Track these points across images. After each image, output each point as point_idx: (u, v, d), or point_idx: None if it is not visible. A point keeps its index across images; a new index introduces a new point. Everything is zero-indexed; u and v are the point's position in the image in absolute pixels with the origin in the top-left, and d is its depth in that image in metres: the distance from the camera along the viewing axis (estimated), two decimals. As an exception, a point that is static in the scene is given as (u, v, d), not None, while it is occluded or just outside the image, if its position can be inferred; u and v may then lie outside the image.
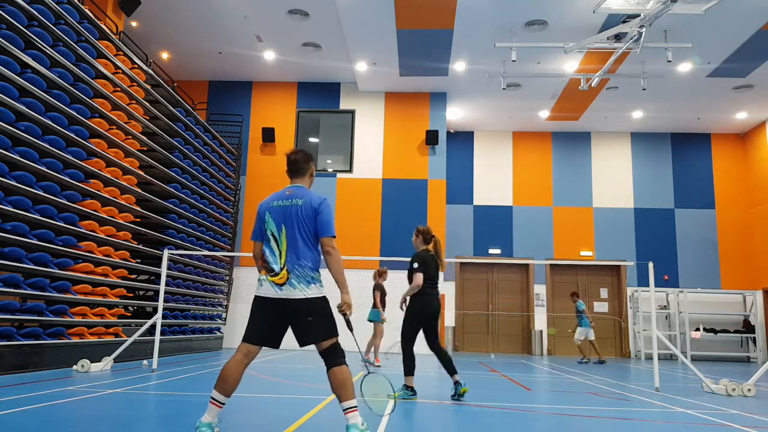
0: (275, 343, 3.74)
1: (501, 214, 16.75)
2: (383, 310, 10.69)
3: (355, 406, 3.51)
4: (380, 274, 10.90)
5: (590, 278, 16.53)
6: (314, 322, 3.58)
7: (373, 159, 15.21)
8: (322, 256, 3.72)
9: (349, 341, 5.45)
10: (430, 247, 6.48)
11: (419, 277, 6.12)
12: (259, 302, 3.68)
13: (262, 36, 13.05)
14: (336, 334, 3.61)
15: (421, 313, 6.21)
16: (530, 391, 6.88)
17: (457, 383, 5.93)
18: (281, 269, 3.61)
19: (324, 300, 3.63)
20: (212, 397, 3.50)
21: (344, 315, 3.65)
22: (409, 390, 5.90)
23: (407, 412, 5.01)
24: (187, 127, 11.79)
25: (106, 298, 8.69)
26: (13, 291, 6.81)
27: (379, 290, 10.74)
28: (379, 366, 10.28)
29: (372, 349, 10.65)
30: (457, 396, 5.90)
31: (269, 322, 3.67)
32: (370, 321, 10.72)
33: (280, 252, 3.66)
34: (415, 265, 6.15)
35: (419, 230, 6.48)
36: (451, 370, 6.00)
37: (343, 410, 3.50)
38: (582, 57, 12.65)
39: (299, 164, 3.88)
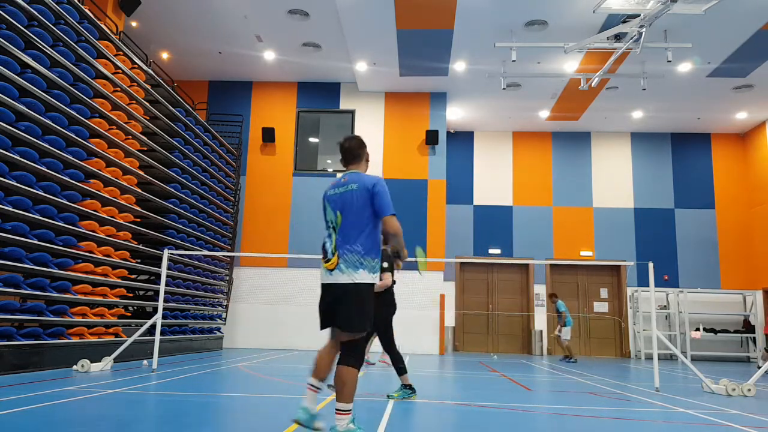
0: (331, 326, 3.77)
1: (501, 214, 16.75)
2: None
3: (348, 410, 3.51)
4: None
5: (590, 278, 16.53)
6: (351, 307, 3.58)
7: (373, 159, 15.19)
8: (380, 237, 3.81)
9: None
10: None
11: (388, 277, 6.03)
12: (322, 288, 3.77)
13: (262, 36, 13.05)
14: (362, 331, 3.61)
15: (394, 312, 6.20)
16: (530, 391, 6.88)
17: (408, 386, 5.87)
18: (333, 255, 3.66)
19: (369, 287, 3.64)
20: (309, 383, 3.65)
21: (397, 260, 3.99)
22: (408, 389, 5.88)
23: (407, 411, 5.01)
24: (187, 127, 11.79)
25: (106, 298, 8.69)
26: (13, 291, 6.81)
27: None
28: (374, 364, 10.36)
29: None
30: (394, 396, 5.79)
31: (323, 305, 3.72)
32: None
33: (334, 238, 3.71)
34: (385, 264, 6.01)
35: None
36: (401, 370, 5.92)
37: (335, 410, 3.54)
38: (582, 57, 12.65)
39: (354, 151, 3.93)
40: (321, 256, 3.78)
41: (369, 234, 3.69)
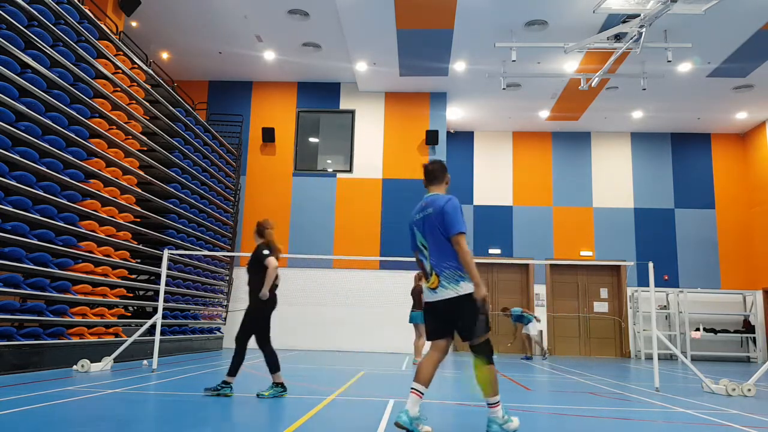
0: (452, 336, 4.07)
1: (501, 214, 16.75)
2: None
3: (498, 402, 3.85)
4: (420, 278, 10.88)
5: (590, 278, 16.53)
6: (466, 317, 3.89)
7: (373, 159, 15.21)
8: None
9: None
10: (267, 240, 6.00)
11: (273, 261, 5.76)
12: (426, 307, 4.11)
13: (262, 36, 13.05)
14: (477, 336, 3.89)
15: (274, 308, 5.93)
16: (530, 391, 6.88)
17: (279, 384, 5.72)
18: (431, 274, 4.02)
19: (473, 296, 3.91)
20: (413, 388, 3.86)
21: (481, 306, 3.92)
22: (279, 386, 5.70)
23: (407, 412, 5.00)
24: (187, 127, 11.79)
25: (106, 298, 8.69)
26: (13, 291, 6.82)
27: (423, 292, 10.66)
28: None
29: (420, 350, 10.72)
30: (265, 395, 5.62)
31: (437, 321, 4.04)
32: (416, 323, 10.75)
33: (427, 259, 4.06)
34: (266, 252, 5.79)
35: (257, 224, 6.09)
36: (274, 369, 5.77)
37: (488, 404, 3.88)
38: (582, 57, 12.65)
39: (437, 173, 4.26)
40: (423, 277, 4.14)
41: (450, 251, 3.98)
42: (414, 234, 4.18)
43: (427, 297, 4.04)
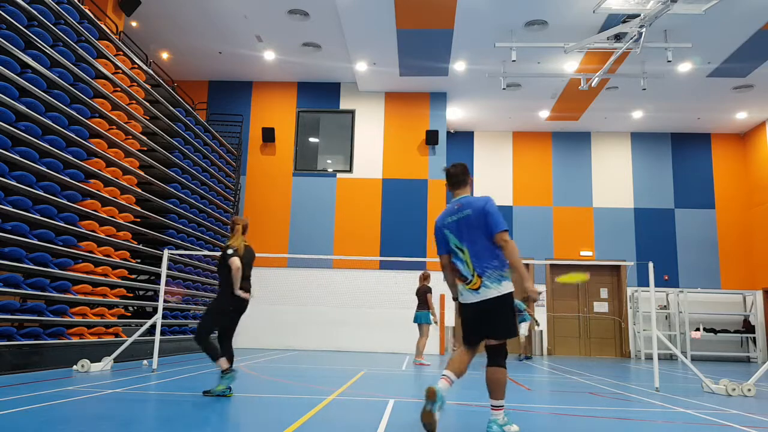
0: (479, 341, 4.12)
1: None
2: (434, 312, 10.86)
3: (502, 406, 3.90)
4: (425, 278, 11.03)
5: (590, 278, 16.51)
6: (503, 318, 3.96)
7: (373, 159, 15.21)
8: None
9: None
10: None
11: (235, 262, 5.65)
12: (463, 308, 4.14)
13: (262, 36, 13.05)
14: (512, 336, 3.98)
15: (241, 309, 5.79)
16: (530, 391, 6.88)
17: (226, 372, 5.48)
18: (473, 276, 4.01)
19: (512, 295, 4.02)
20: (445, 374, 3.93)
21: (529, 302, 4.02)
22: (228, 373, 5.49)
23: (407, 412, 5.01)
24: (187, 127, 11.79)
25: (106, 298, 8.69)
26: (13, 291, 6.82)
27: (430, 293, 10.79)
28: (428, 365, 10.32)
29: (421, 350, 10.73)
30: (213, 393, 5.43)
31: (477, 322, 4.06)
32: (420, 323, 10.73)
33: (467, 261, 4.06)
34: (230, 251, 5.70)
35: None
36: (215, 357, 5.56)
37: (492, 406, 3.92)
38: (582, 57, 12.65)
39: (460, 176, 4.29)
40: (456, 278, 4.16)
41: (496, 249, 4.02)
42: (446, 237, 4.16)
43: (468, 298, 4.04)
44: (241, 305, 5.73)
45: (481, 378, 8.35)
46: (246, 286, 5.79)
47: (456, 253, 4.12)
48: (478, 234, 4.00)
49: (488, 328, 3.99)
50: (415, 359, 10.72)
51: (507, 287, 3.96)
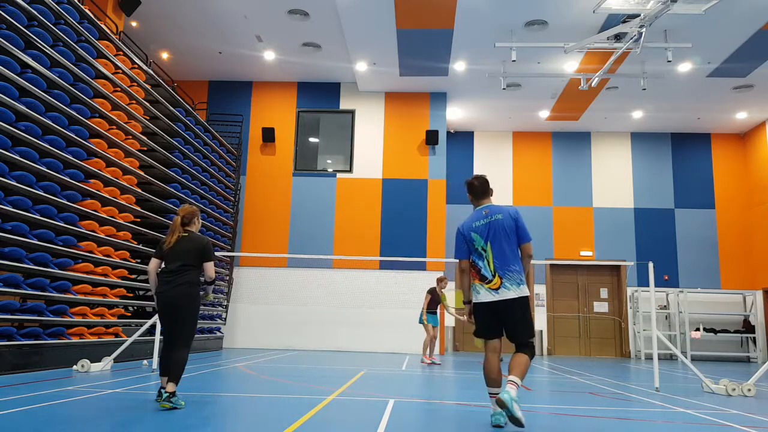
0: (501, 334, 4.42)
1: (501, 214, 16.73)
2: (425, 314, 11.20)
3: (518, 383, 4.05)
4: (441, 280, 11.42)
5: (590, 278, 16.53)
6: (521, 318, 4.29)
7: (373, 159, 15.21)
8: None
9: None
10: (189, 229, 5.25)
11: (151, 263, 5.13)
12: (481, 307, 4.40)
13: (262, 36, 13.05)
14: (532, 336, 4.34)
15: (160, 308, 4.97)
16: (530, 391, 6.88)
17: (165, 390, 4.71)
18: (493, 276, 4.32)
19: (529, 299, 4.36)
20: (490, 393, 4.32)
21: None
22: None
23: (407, 412, 5.01)
24: (187, 127, 11.79)
25: (106, 298, 8.70)
26: (13, 291, 6.82)
27: (431, 294, 11.22)
28: (439, 364, 10.60)
29: (428, 349, 11.04)
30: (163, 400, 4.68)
31: (493, 320, 4.36)
32: (423, 323, 11.25)
33: (489, 262, 4.36)
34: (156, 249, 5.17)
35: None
36: (165, 373, 4.83)
37: (510, 381, 4.07)
38: (582, 57, 12.65)
39: (484, 187, 4.66)
40: (473, 278, 4.42)
41: (518, 255, 4.43)
42: (472, 241, 4.44)
43: (485, 297, 4.31)
44: (161, 303, 4.91)
45: (479, 377, 8.36)
46: (174, 279, 4.90)
47: (480, 254, 4.40)
48: (504, 238, 4.36)
49: (508, 328, 4.31)
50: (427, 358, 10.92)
51: (525, 291, 4.27)
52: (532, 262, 9.28)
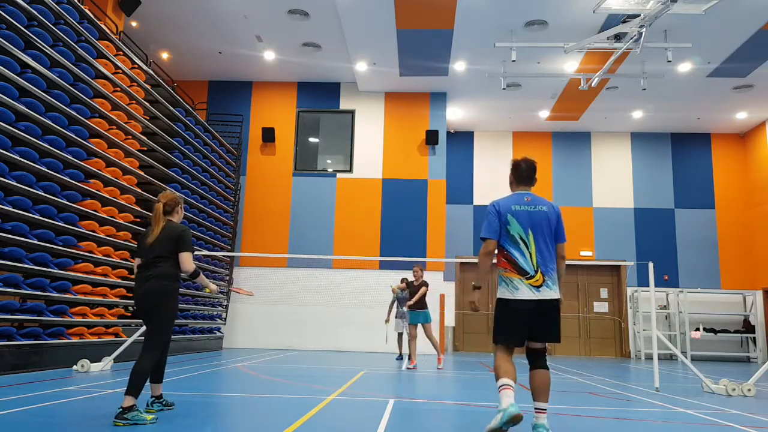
0: (524, 342, 3.95)
1: (501, 214, 16.72)
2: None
3: (546, 409, 3.80)
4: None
5: (590, 278, 16.53)
6: (557, 321, 3.87)
7: (373, 159, 15.21)
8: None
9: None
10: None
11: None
12: (515, 305, 3.84)
13: (262, 36, 13.05)
14: (560, 341, 3.92)
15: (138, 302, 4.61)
16: (530, 391, 6.86)
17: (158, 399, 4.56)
18: (536, 272, 3.83)
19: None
20: (507, 384, 3.86)
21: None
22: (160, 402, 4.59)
23: (407, 412, 5.01)
24: (187, 127, 11.79)
25: (106, 298, 8.70)
26: (13, 291, 6.82)
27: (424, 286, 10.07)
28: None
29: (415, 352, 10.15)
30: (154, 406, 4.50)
31: (526, 322, 3.84)
32: (412, 323, 10.04)
33: (531, 255, 3.87)
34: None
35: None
36: (153, 380, 4.60)
37: (535, 409, 3.82)
38: (582, 57, 12.65)
39: (530, 172, 4.07)
40: (507, 270, 3.91)
41: (554, 254, 3.97)
42: (507, 223, 3.91)
43: (524, 294, 3.79)
44: (135, 302, 4.63)
45: (481, 378, 8.35)
46: (146, 273, 4.53)
47: (516, 242, 3.88)
48: (547, 233, 3.91)
49: (543, 331, 3.85)
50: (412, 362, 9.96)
51: (559, 293, 3.89)
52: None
